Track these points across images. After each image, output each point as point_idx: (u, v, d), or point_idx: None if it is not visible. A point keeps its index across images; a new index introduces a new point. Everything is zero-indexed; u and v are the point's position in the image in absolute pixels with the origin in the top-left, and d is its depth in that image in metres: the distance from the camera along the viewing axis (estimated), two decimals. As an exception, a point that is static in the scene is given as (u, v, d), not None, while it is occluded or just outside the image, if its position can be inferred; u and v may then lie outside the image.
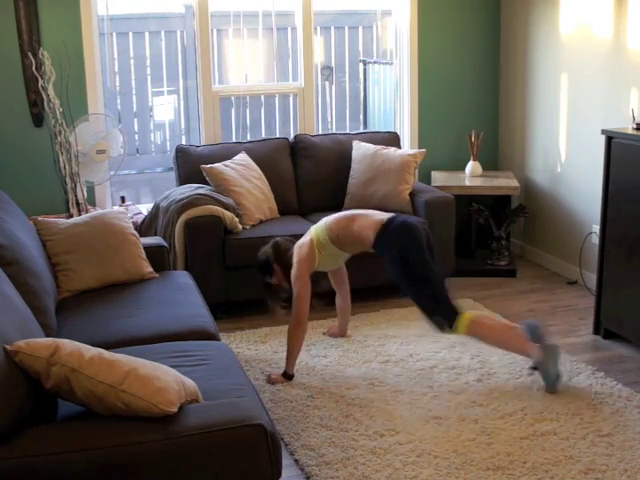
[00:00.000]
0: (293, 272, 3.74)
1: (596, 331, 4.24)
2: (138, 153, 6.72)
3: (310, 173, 5.20)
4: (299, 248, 3.80)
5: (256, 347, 4.13)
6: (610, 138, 4.00)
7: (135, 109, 6.66)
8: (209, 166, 4.80)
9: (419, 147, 5.63)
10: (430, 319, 3.57)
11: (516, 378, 3.69)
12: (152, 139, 6.95)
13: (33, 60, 4.71)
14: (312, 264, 3.76)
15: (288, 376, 3.70)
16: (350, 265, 4.07)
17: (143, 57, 6.57)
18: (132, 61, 6.53)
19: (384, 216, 3.74)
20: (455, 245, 4.95)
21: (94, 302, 3.48)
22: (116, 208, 4.75)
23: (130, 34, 6.47)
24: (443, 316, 3.54)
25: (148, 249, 3.86)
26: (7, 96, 4.87)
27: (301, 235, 3.97)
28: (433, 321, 3.56)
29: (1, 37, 4.80)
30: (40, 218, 3.81)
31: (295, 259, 3.76)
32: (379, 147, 5.15)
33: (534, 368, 3.63)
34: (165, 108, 6.86)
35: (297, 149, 5.26)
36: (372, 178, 5.03)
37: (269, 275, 3.89)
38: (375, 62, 6.70)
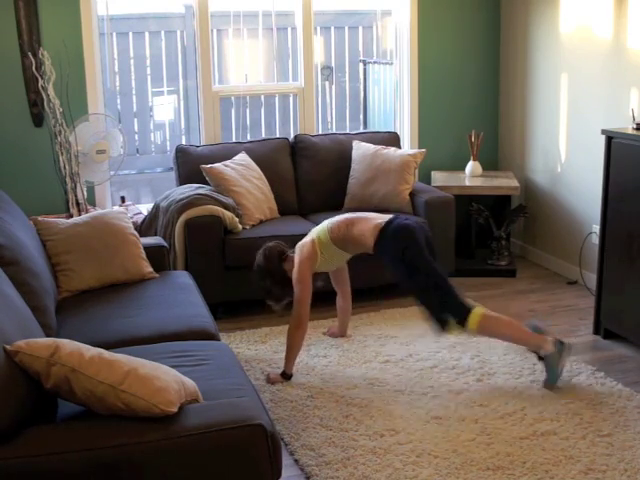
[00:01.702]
0: (294, 273, 3.73)
1: (596, 331, 4.24)
2: (138, 153, 6.72)
3: (310, 173, 5.20)
4: (300, 248, 3.80)
5: (256, 347, 4.12)
6: (610, 138, 4.00)
7: (135, 109, 6.66)
8: (209, 166, 4.80)
9: (419, 147, 5.63)
10: (435, 318, 3.55)
11: (516, 378, 3.69)
12: (152, 139, 6.94)
13: (33, 60, 4.71)
14: (313, 264, 3.77)
15: (287, 376, 3.70)
16: (350, 265, 4.07)
17: (143, 57, 6.57)
18: (132, 61, 6.52)
19: (382, 219, 3.74)
20: (455, 245, 4.95)
21: (94, 302, 3.48)
22: (116, 208, 4.75)
23: (130, 34, 6.47)
24: (453, 313, 3.51)
25: (148, 249, 3.86)
26: (7, 96, 4.87)
27: (301, 235, 3.97)
28: (435, 321, 3.55)
29: (1, 37, 4.80)
30: (40, 218, 3.81)
31: (296, 260, 3.76)
32: (379, 147, 5.15)
33: (541, 358, 3.60)
34: (165, 108, 6.86)
35: (297, 149, 5.26)
36: (372, 178, 5.03)
37: (266, 280, 3.88)
38: (375, 62, 6.70)
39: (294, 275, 3.73)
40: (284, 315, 3.82)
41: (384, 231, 3.67)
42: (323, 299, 4.05)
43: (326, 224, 3.84)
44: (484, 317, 3.51)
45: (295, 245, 3.88)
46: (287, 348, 3.72)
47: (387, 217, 3.76)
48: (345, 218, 3.84)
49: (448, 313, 3.51)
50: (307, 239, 3.83)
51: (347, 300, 4.16)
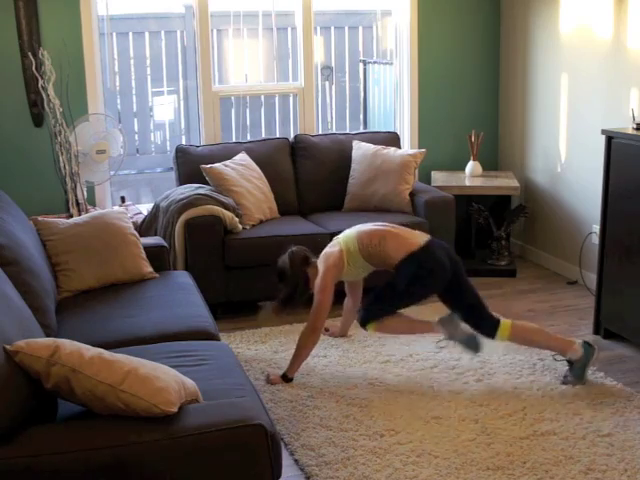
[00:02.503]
0: (318, 281, 3.67)
1: (596, 331, 4.24)
2: (138, 153, 6.72)
3: (310, 173, 5.20)
4: (327, 257, 3.73)
5: (256, 347, 4.12)
6: (610, 138, 4.00)
7: (135, 109, 6.66)
8: (209, 166, 4.80)
9: (419, 147, 5.63)
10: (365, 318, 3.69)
11: (516, 378, 3.70)
12: (152, 139, 6.95)
13: (33, 60, 4.71)
14: (339, 274, 3.73)
15: (287, 379, 3.68)
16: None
17: (143, 57, 6.57)
18: (132, 61, 6.53)
19: (416, 240, 3.68)
20: (455, 245, 4.94)
21: (94, 302, 3.48)
22: (116, 208, 4.75)
23: (130, 34, 6.47)
24: (366, 316, 3.67)
25: (148, 249, 3.86)
26: (7, 96, 4.87)
27: (301, 235, 3.97)
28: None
29: (1, 37, 4.80)
30: (40, 218, 3.81)
31: (322, 268, 3.70)
32: (379, 147, 5.15)
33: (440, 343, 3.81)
34: (165, 108, 6.86)
35: (297, 149, 5.26)
36: (372, 178, 5.03)
37: (286, 283, 3.81)
38: (375, 62, 6.70)
39: (317, 283, 3.68)
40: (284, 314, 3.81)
41: (412, 257, 3.63)
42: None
43: (354, 233, 3.74)
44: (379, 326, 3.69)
45: (309, 248, 3.85)
46: (295, 352, 3.69)
47: (422, 239, 3.70)
48: (376, 231, 3.74)
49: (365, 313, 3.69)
50: (334, 248, 3.74)
51: (356, 304, 4.10)
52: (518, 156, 5.72)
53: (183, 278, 3.84)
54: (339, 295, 4.10)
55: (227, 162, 4.89)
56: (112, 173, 5.05)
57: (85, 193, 4.87)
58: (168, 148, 6.80)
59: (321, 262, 3.73)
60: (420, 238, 3.72)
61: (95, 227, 3.75)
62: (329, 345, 4.12)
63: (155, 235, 4.62)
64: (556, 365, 3.72)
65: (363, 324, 3.68)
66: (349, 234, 3.77)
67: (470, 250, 5.47)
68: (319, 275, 3.69)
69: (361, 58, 6.89)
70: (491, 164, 5.86)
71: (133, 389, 2.13)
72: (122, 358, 2.23)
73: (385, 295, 3.67)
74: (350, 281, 4.02)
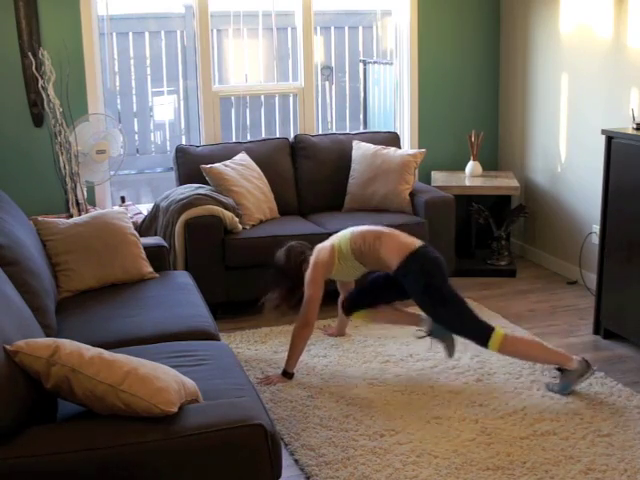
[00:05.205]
0: (308, 274, 3.68)
1: (596, 331, 4.24)
2: (138, 153, 6.72)
3: (310, 173, 5.20)
4: (318, 251, 3.73)
5: (256, 347, 4.12)
6: (610, 138, 4.00)
7: (135, 109, 6.66)
8: (209, 166, 4.80)
9: (419, 147, 5.63)
10: (472, 339, 3.55)
11: (516, 378, 3.69)
12: (152, 139, 6.95)
13: (33, 60, 4.71)
14: (329, 270, 3.71)
15: (288, 375, 3.69)
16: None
17: (143, 57, 6.57)
18: (132, 61, 6.53)
19: (410, 241, 3.64)
20: (455, 245, 4.95)
21: (94, 302, 3.48)
22: (116, 208, 4.75)
23: (130, 34, 6.47)
24: (477, 335, 3.51)
25: (148, 249, 3.86)
26: (7, 96, 4.87)
27: (301, 236, 3.96)
28: (471, 339, 3.56)
29: (1, 37, 4.80)
30: (40, 218, 3.81)
31: (312, 261, 3.70)
32: (379, 147, 5.15)
33: (559, 370, 3.57)
34: (165, 108, 6.86)
35: (297, 149, 5.26)
36: (372, 178, 5.03)
37: (281, 279, 3.81)
38: (375, 62, 6.70)
39: (307, 276, 3.68)
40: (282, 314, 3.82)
41: (413, 257, 3.56)
42: (323, 300, 4.02)
43: (349, 233, 3.73)
44: (505, 339, 3.48)
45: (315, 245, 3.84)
46: (290, 347, 3.70)
47: (417, 242, 3.65)
48: (371, 231, 3.71)
49: (472, 335, 3.53)
50: (327, 243, 3.75)
51: None
52: (518, 156, 5.72)
53: (183, 278, 3.84)
54: (333, 295, 4.11)
55: (227, 162, 4.89)
56: (112, 173, 5.06)
57: (85, 193, 4.87)
58: (168, 148, 6.80)
59: (313, 256, 3.74)
60: (415, 241, 3.67)
61: (95, 227, 3.75)
62: (329, 345, 4.12)
63: (155, 235, 4.62)
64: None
65: (486, 343, 3.48)
66: (344, 233, 3.77)
67: (470, 250, 5.47)
68: (309, 268, 3.70)
69: (361, 58, 6.89)
70: (491, 164, 5.87)
71: (133, 389, 2.13)
72: (122, 358, 2.23)
73: (444, 312, 3.56)
74: (341, 281, 4.02)
